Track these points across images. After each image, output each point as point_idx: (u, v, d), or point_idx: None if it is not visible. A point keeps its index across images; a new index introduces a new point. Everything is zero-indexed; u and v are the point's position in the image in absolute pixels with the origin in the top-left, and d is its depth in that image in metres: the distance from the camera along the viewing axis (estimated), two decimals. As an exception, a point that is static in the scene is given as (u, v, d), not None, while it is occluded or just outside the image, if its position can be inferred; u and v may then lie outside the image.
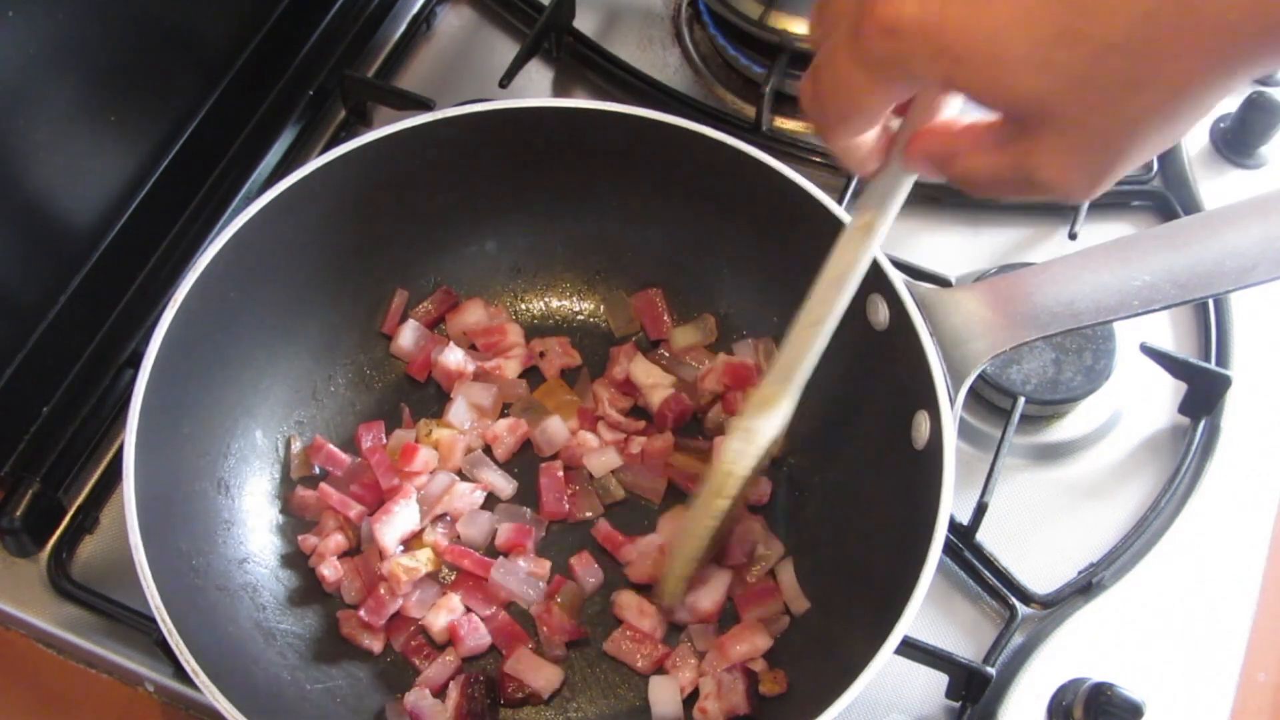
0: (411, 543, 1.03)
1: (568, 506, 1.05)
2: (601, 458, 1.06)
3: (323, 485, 1.04)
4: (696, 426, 1.10)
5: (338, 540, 1.02)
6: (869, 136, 0.71)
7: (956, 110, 0.70)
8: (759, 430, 0.89)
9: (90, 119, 1.02)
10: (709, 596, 1.00)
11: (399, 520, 1.02)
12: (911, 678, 1.00)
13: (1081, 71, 0.58)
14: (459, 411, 1.07)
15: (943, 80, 0.62)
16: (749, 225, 1.07)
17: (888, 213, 0.77)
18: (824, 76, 0.66)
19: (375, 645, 0.99)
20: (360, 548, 1.03)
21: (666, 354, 1.12)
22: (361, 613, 0.99)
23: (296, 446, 1.06)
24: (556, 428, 1.07)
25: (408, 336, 1.11)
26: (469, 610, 1.00)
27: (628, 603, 1.01)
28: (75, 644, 1.01)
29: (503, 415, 1.10)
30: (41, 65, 0.94)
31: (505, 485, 1.06)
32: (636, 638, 1.00)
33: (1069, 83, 0.59)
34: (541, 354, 1.12)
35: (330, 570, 1.00)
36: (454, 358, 1.09)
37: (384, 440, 1.07)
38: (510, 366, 1.10)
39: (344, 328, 1.11)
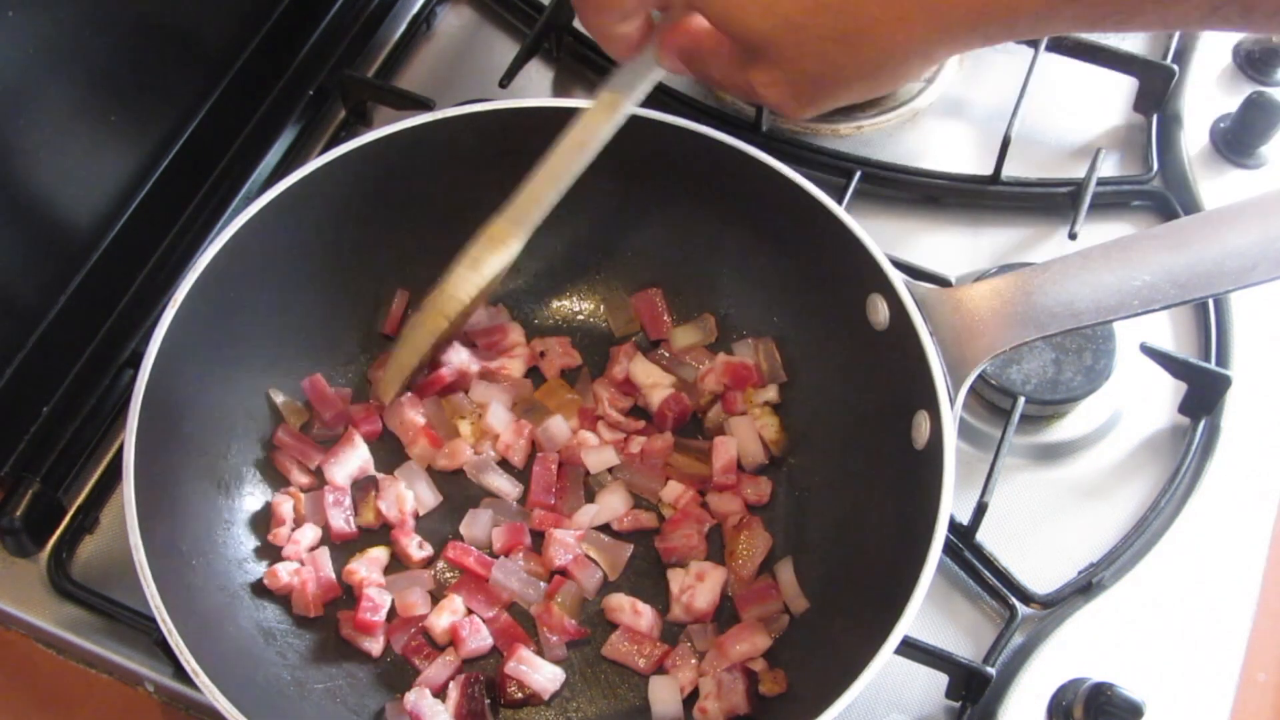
0: (361, 547, 1.04)
1: (553, 500, 1.05)
2: (599, 455, 1.06)
3: (278, 436, 1.06)
4: (696, 426, 1.10)
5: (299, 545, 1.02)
6: (630, 28, 0.82)
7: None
8: (485, 261, 0.97)
9: (90, 119, 1.02)
10: (705, 596, 1.00)
11: (347, 461, 1.06)
12: (911, 678, 1.00)
13: (799, 21, 0.70)
14: (498, 414, 1.08)
15: (687, 5, 0.75)
16: (749, 225, 1.07)
17: (635, 93, 0.88)
18: None
19: (374, 647, 0.99)
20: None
21: (667, 354, 1.12)
22: (359, 614, 0.99)
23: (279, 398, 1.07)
24: (559, 427, 1.07)
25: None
26: (470, 611, 1.00)
27: (619, 604, 1.01)
28: (75, 644, 1.01)
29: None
30: (41, 65, 0.94)
31: (510, 489, 1.06)
32: (634, 638, 1.00)
33: (787, 28, 0.71)
34: (542, 354, 1.12)
35: (286, 575, 1.00)
36: (460, 357, 1.09)
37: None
38: (515, 366, 1.11)
39: (344, 327, 1.11)
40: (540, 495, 1.05)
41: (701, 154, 1.02)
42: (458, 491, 1.07)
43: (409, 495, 1.05)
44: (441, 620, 0.99)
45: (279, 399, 1.06)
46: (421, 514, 1.06)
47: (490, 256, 0.97)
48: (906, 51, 0.70)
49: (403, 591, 1.01)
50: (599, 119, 0.90)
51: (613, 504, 1.05)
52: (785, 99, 0.77)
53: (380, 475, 1.06)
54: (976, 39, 0.70)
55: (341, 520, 1.03)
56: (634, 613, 1.00)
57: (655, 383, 1.09)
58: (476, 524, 1.04)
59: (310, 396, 1.07)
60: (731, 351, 1.11)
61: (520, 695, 0.97)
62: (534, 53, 1.28)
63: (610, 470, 1.07)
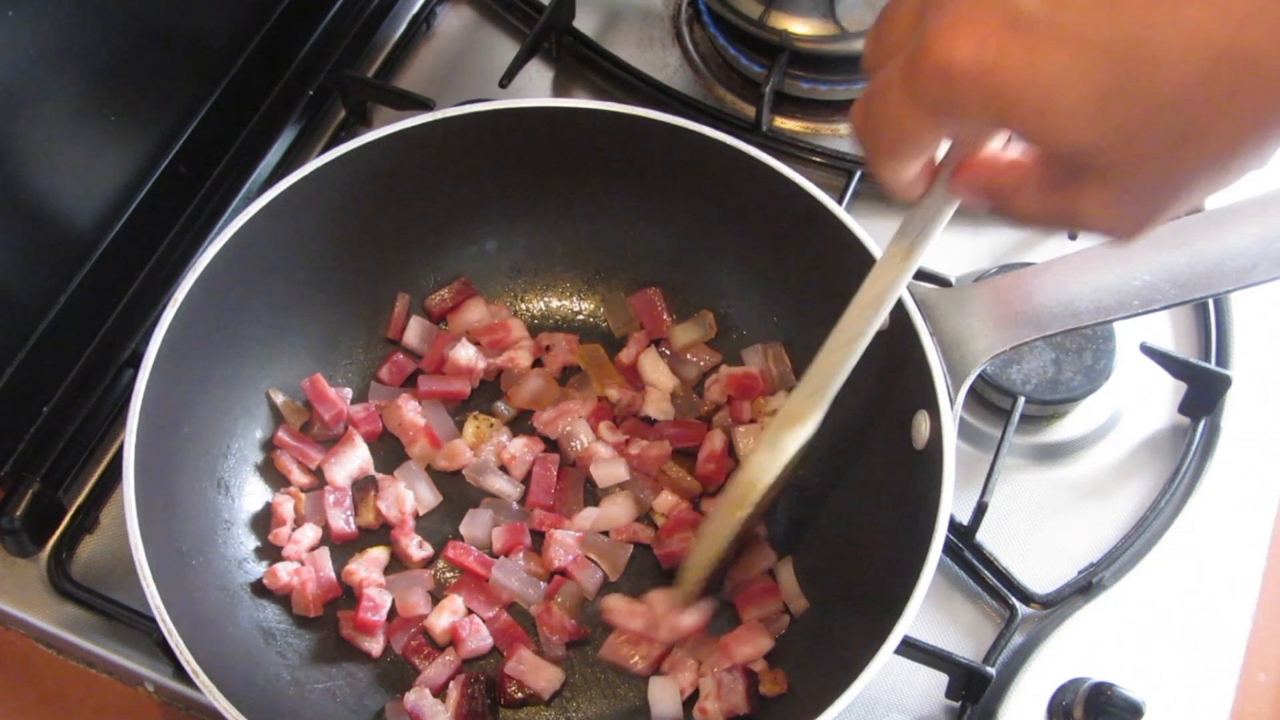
0: (360, 548, 1.04)
1: (552, 500, 1.05)
2: (610, 469, 1.06)
3: (279, 436, 1.06)
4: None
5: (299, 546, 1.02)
6: (920, 167, 0.71)
7: (1002, 142, 0.70)
8: (785, 444, 0.89)
9: (90, 119, 1.02)
10: (690, 618, 0.99)
11: (348, 461, 1.05)
12: (911, 678, 1.00)
13: (1134, 127, 0.58)
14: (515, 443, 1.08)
15: (993, 124, 0.63)
16: (748, 225, 1.07)
17: (928, 238, 0.77)
18: (876, 108, 0.66)
19: (375, 647, 0.99)
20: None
21: (668, 351, 1.12)
22: (359, 614, 0.99)
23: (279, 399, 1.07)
24: (586, 433, 1.08)
25: (414, 332, 1.11)
26: (470, 612, 1.00)
27: (616, 605, 1.00)
28: (75, 644, 1.01)
29: (519, 429, 1.10)
30: (41, 65, 0.94)
31: (511, 490, 1.06)
32: (631, 640, 1.00)
33: (1120, 137, 0.58)
34: (548, 348, 1.12)
35: (286, 575, 1.00)
36: (466, 354, 1.09)
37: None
38: (521, 357, 1.10)
39: (344, 328, 1.11)
40: (540, 496, 1.05)
41: (701, 154, 1.02)
42: (458, 491, 1.07)
43: (409, 495, 1.05)
44: (441, 620, 0.99)
45: (279, 399, 1.07)
46: (421, 514, 1.06)
47: (788, 436, 0.89)
48: (1259, 139, 0.58)
49: (403, 591, 1.01)
50: (894, 270, 0.80)
51: (616, 513, 1.05)
52: (1119, 221, 0.64)
53: (380, 475, 1.06)
54: None
55: (341, 520, 1.03)
56: (630, 615, 1.00)
57: (658, 383, 1.09)
58: (476, 524, 1.04)
59: (310, 396, 1.07)
60: (740, 358, 1.11)
61: (520, 695, 0.97)
62: (534, 53, 1.28)
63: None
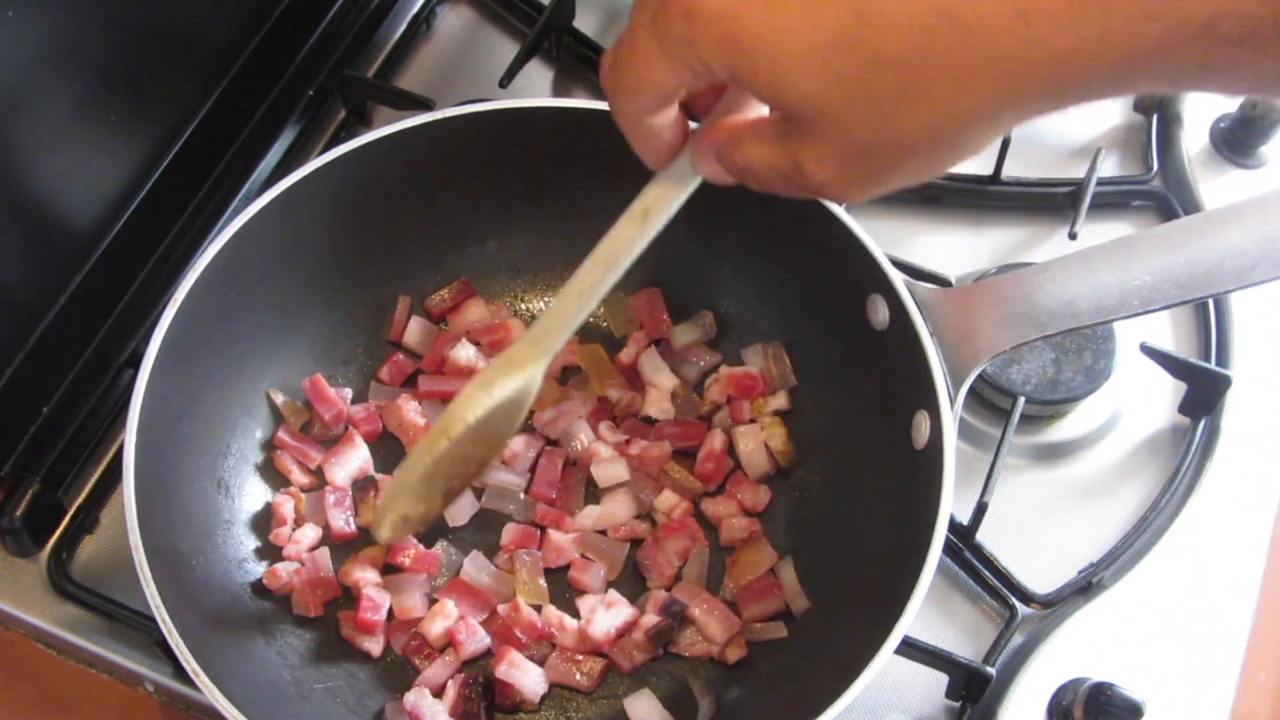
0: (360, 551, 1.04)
1: (554, 494, 1.05)
2: (610, 469, 1.06)
3: (279, 436, 1.06)
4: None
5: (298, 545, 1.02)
6: (664, 123, 0.73)
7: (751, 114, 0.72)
8: (498, 384, 0.86)
9: (90, 119, 1.02)
10: (603, 624, 0.99)
11: (348, 461, 1.05)
12: (912, 678, 1.00)
13: (854, 79, 0.60)
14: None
15: (727, 71, 0.63)
16: (747, 224, 1.07)
17: (668, 204, 0.78)
18: (623, 49, 0.68)
19: (375, 647, 0.99)
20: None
21: (668, 351, 1.12)
22: (358, 614, 0.99)
23: (279, 399, 1.07)
24: (585, 432, 1.08)
25: (414, 333, 1.11)
26: (463, 616, 1.00)
27: (549, 619, 1.00)
28: (75, 644, 1.01)
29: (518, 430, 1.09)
30: (41, 65, 0.94)
31: (517, 480, 1.06)
32: (569, 657, 0.99)
33: (841, 89, 0.60)
34: None
35: (286, 575, 1.00)
36: (466, 354, 1.09)
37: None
38: None
39: (344, 328, 1.11)
40: (544, 489, 1.05)
41: (701, 154, 1.02)
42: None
43: None
44: (435, 626, 0.99)
45: (279, 399, 1.07)
46: None
47: (504, 379, 0.86)
48: (971, 114, 0.60)
49: (400, 595, 1.01)
50: (630, 232, 0.80)
51: (616, 511, 1.05)
52: (839, 179, 0.66)
53: (380, 475, 1.06)
54: (1048, 101, 0.60)
55: (342, 520, 1.03)
56: (560, 628, 1.00)
57: (658, 383, 1.09)
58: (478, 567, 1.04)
59: (310, 396, 1.07)
60: (740, 358, 1.11)
61: (510, 703, 0.97)
62: (534, 53, 1.28)
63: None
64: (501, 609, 1.00)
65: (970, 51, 0.57)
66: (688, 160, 0.75)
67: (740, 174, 0.71)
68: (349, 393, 1.09)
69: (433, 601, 1.01)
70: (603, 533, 1.05)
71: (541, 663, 0.99)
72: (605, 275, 0.82)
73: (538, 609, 1.01)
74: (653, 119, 0.72)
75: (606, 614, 0.99)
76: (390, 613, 1.00)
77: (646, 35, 0.65)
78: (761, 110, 0.71)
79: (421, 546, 1.03)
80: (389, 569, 1.03)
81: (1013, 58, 0.57)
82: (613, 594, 1.01)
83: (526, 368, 0.86)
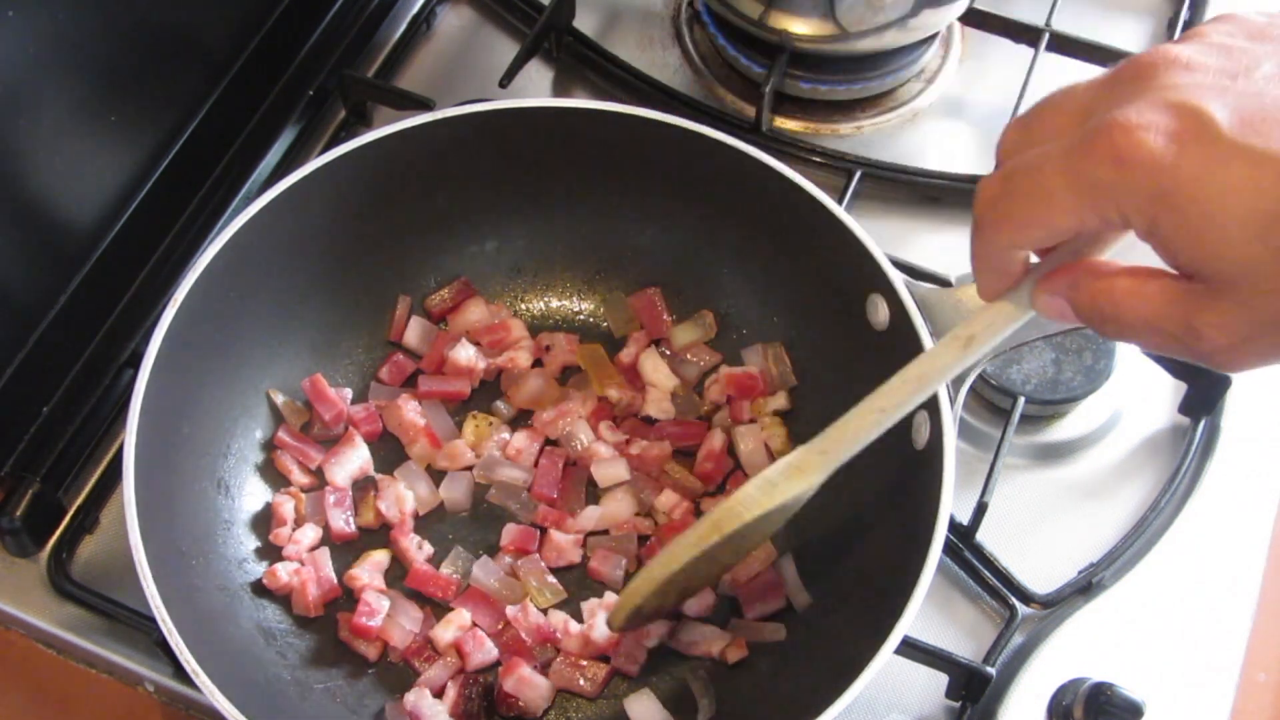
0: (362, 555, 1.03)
1: (556, 494, 1.05)
2: (610, 469, 1.06)
3: (279, 436, 1.06)
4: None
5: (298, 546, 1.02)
6: (1022, 257, 0.69)
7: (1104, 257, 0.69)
8: (781, 489, 0.86)
9: (90, 119, 1.02)
10: (604, 628, 0.98)
11: (348, 462, 1.05)
12: (911, 678, 1.00)
13: None
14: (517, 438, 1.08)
15: (1146, 226, 0.60)
16: (748, 224, 1.07)
17: (996, 336, 0.74)
18: (1021, 181, 0.64)
19: (370, 652, 0.99)
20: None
21: (668, 351, 1.12)
22: (355, 618, 0.99)
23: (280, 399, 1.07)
24: (585, 432, 1.08)
25: (414, 333, 1.11)
26: (474, 626, 1.00)
27: (555, 623, 0.99)
28: (75, 644, 1.01)
29: (519, 427, 1.09)
30: (41, 65, 0.94)
31: (522, 476, 1.06)
32: (573, 662, 0.99)
33: (1277, 261, 0.58)
34: (548, 348, 1.12)
35: (285, 575, 1.00)
36: (466, 354, 1.09)
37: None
38: (521, 357, 1.10)
39: (344, 328, 1.11)
40: (544, 489, 1.05)
41: (701, 154, 1.02)
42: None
43: (409, 495, 1.04)
44: (446, 634, 0.99)
45: (279, 399, 1.06)
46: (422, 514, 1.06)
47: (786, 484, 0.85)
48: None
49: (394, 613, 1.00)
50: (948, 359, 0.76)
51: (617, 510, 1.05)
52: (1238, 346, 0.61)
53: (379, 476, 1.06)
54: None
55: (342, 521, 1.03)
56: (565, 633, 1.00)
57: (658, 383, 1.09)
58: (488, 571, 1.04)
59: (310, 396, 1.07)
60: (740, 358, 1.11)
61: (513, 714, 0.97)
62: (534, 53, 1.28)
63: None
64: (511, 611, 1.00)
65: None
66: (1027, 293, 0.71)
67: (1100, 320, 0.67)
68: (349, 392, 1.09)
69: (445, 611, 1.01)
70: (604, 533, 1.05)
71: (547, 666, 0.99)
72: (913, 395, 0.80)
73: (545, 612, 1.01)
74: (1017, 253, 0.68)
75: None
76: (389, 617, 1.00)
77: (1058, 172, 0.62)
78: (1115, 258, 0.68)
79: (429, 545, 1.04)
80: (392, 570, 1.03)
81: None
82: (610, 596, 1.01)
83: (810, 476, 0.86)
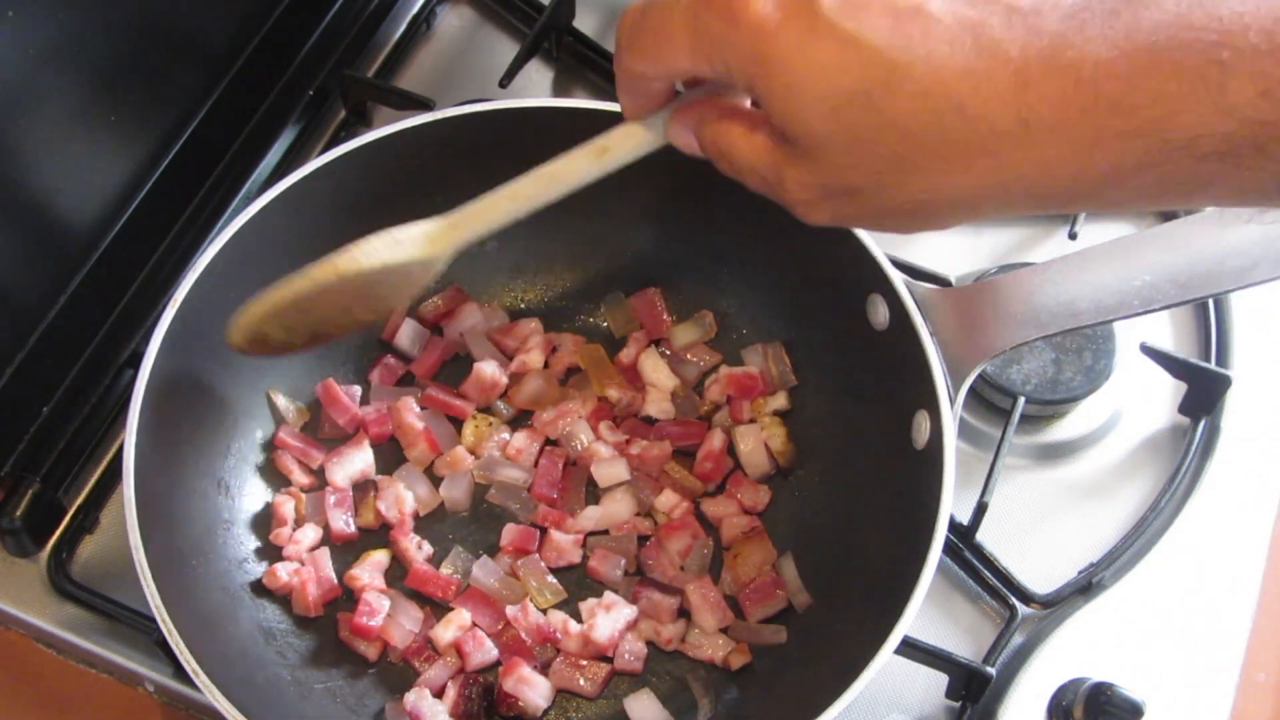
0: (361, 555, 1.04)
1: (556, 494, 1.05)
2: (610, 469, 1.06)
3: (280, 436, 1.06)
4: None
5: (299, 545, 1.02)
6: (660, 86, 0.75)
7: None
8: (405, 249, 0.86)
9: (90, 119, 1.02)
10: (605, 628, 0.99)
11: (349, 463, 1.05)
12: (912, 678, 1.00)
13: (861, 134, 0.63)
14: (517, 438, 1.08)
15: (745, 83, 0.66)
16: (748, 225, 1.07)
17: (629, 153, 0.79)
18: (653, 17, 0.69)
19: (370, 652, 0.99)
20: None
21: (668, 351, 1.12)
22: (355, 618, 0.99)
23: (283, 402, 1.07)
24: (585, 431, 1.08)
25: (406, 334, 1.11)
26: (475, 626, 1.00)
27: (555, 623, 1.00)
28: (75, 644, 1.01)
29: (519, 427, 1.09)
30: (41, 65, 0.94)
31: (522, 475, 1.06)
32: (572, 662, 0.99)
33: (846, 138, 0.64)
34: (555, 348, 1.11)
35: (285, 575, 1.00)
36: (490, 369, 1.08)
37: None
38: (533, 358, 1.10)
39: (344, 328, 1.10)
40: (545, 489, 1.05)
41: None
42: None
43: (408, 496, 1.04)
44: (447, 633, 0.99)
45: (279, 399, 1.06)
46: (422, 514, 1.06)
47: (411, 246, 0.86)
48: (955, 197, 0.64)
49: (394, 615, 1.00)
50: (583, 163, 0.80)
51: (617, 510, 1.05)
52: (810, 203, 0.69)
53: (380, 477, 1.06)
54: (1030, 203, 0.64)
55: (342, 521, 1.03)
56: (565, 633, 1.00)
57: (659, 383, 1.09)
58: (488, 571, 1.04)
59: (324, 400, 1.07)
60: (740, 358, 1.11)
61: (513, 713, 0.97)
62: (534, 53, 1.28)
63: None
64: (511, 610, 1.00)
65: (969, 141, 0.61)
66: (662, 121, 0.76)
67: (715, 155, 0.74)
68: (358, 390, 1.09)
69: (446, 610, 1.01)
70: (604, 533, 1.05)
71: (547, 666, 0.99)
72: (544, 191, 0.83)
73: (544, 613, 1.01)
74: (653, 82, 0.74)
75: (607, 617, 0.99)
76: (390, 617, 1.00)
77: (683, 18, 0.67)
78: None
79: (428, 545, 1.04)
80: (392, 569, 1.03)
81: (1005, 156, 0.61)
82: (609, 596, 1.01)
83: (438, 243, 0.86)
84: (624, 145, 0.79)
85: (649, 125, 0.77)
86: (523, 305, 1.15)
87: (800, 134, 0.65)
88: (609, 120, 1.02)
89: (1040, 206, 0.65)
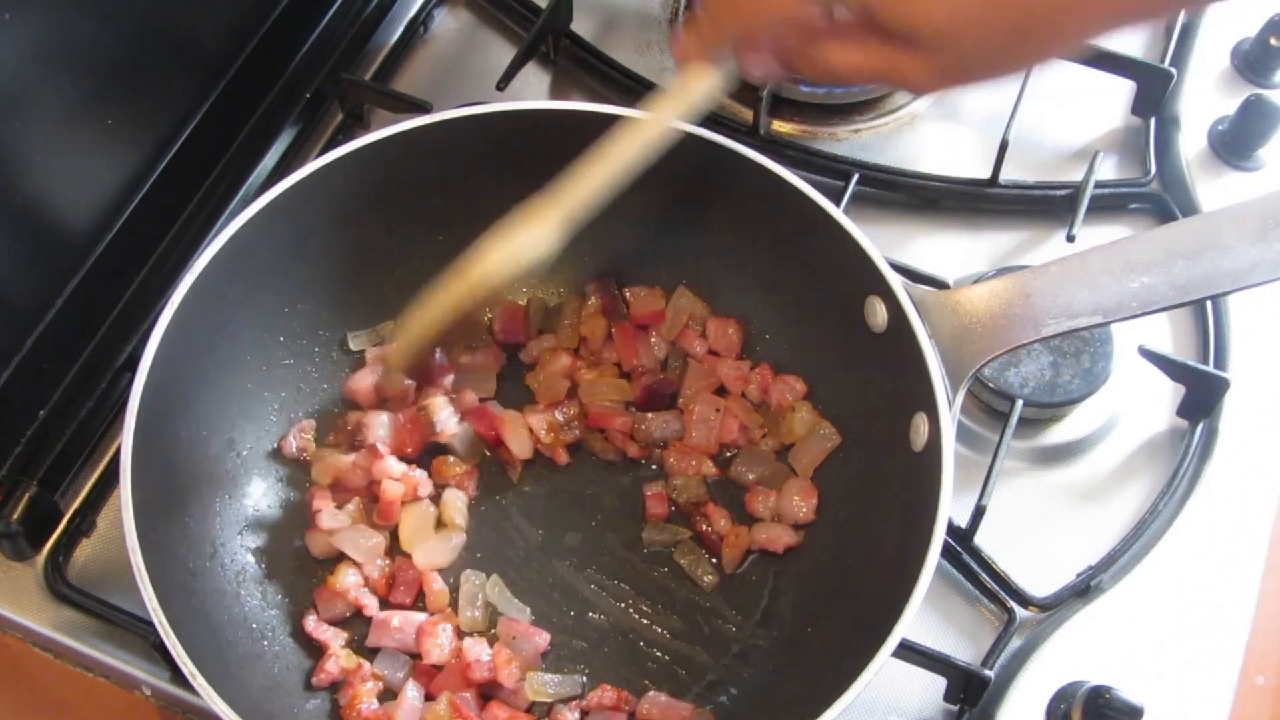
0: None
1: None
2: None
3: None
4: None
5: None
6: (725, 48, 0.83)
7: None
8: (525, 251, 0.92)
9: (88, 121, 1.02)
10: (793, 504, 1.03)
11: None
12: (910, 680, 1.00)
13: (981, 15, 0.71)
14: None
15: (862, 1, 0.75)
16: (747, 227, 1.07)
17: (701, 97, 0.87)
18: None
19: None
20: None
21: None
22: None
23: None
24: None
25: (365, 378, 1.08)
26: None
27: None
28: (72, 648, 1.01)
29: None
30: (40, 67, 0.94)
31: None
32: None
33: (968, 22, 0.72)
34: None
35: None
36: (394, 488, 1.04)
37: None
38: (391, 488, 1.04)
39: (342, 330, 1.10)
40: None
41: (699, 157, 1.02)
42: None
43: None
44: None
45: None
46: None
47: (532, 255, 0.92)
48: (1073, 38, 0.73)
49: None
50: (668, 111, 0.89)
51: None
52: (933, 81, 0.77)
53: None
54: (1140, 17, 0.75)
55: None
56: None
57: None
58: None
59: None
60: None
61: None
62: (531, 55, 1.28)
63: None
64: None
65: (1091, 5, 0.71)
66: (725, 60, 0.84)
67: (810, 69, 0.81)
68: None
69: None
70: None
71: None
72: (636, 148, 0.89)
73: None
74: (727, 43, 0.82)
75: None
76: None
77: None
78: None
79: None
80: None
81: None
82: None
83: (551, 239, 0.91)
84: (699, 86, 0.86)
85: (718, 65, 0.83)
86: (523, 304, 1.15)
87: (923, 30, 0.73)
88: (607, 123, 1.03)
89: (1150, 15, 0.77)
